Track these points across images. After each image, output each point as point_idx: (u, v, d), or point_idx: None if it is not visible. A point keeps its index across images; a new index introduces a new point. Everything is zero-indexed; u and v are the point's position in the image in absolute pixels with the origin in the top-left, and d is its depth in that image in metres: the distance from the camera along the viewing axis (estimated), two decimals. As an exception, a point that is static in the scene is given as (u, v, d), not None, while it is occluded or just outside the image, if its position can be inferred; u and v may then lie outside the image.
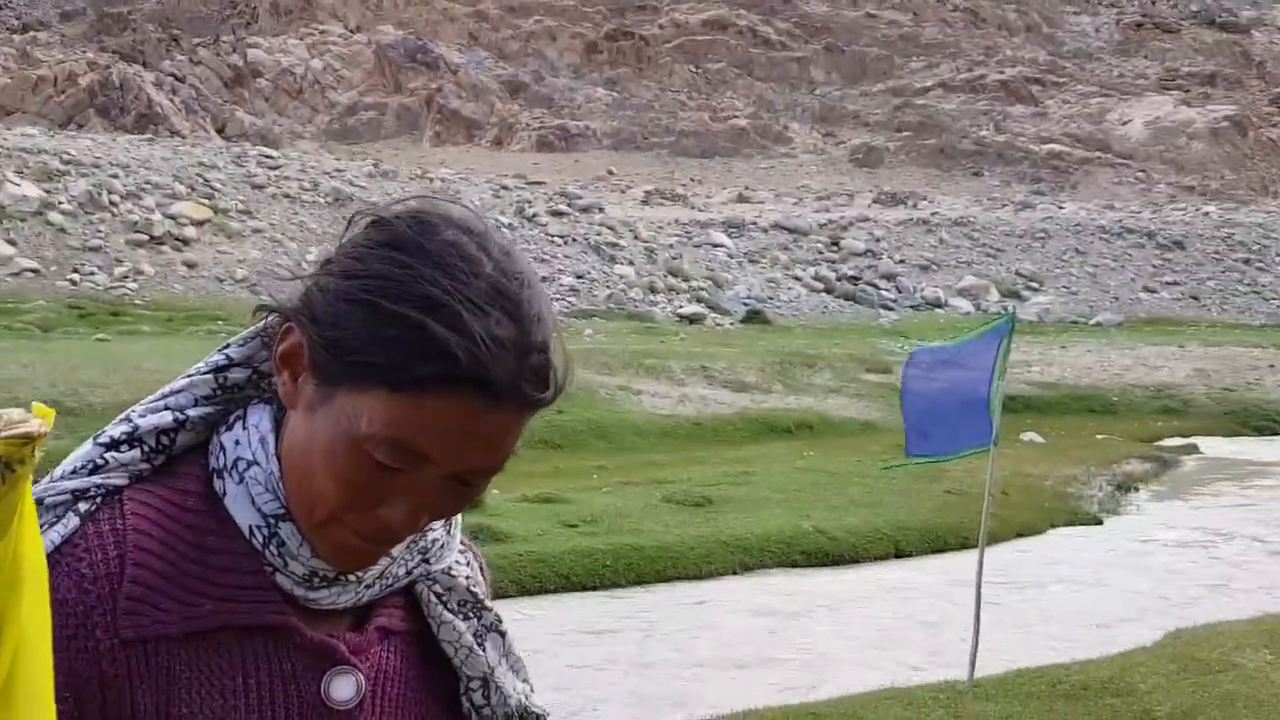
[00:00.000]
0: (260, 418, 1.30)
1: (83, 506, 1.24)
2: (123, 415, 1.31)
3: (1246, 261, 58.83)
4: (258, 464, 1.27)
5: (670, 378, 26.86)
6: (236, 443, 1.28)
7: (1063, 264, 55.61)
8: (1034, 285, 52.82)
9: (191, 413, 1.30)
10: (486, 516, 13.96)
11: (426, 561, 1.35)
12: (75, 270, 39.27)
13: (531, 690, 1.42)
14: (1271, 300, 54.95)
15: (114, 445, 1.28)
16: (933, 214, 61.11)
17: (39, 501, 1.20)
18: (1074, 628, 11.88)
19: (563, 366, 1.24)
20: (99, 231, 41.67)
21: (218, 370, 1.32)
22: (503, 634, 1.40)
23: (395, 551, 1.31)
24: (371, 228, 1.24)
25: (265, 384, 1.32)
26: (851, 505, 16.18)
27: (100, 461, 1.27)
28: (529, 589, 12.15)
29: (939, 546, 14.94)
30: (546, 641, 10.63)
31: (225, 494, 1.27)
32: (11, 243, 39.61)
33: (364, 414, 1.18)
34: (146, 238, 41.98)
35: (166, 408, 1.30)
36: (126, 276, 39.63)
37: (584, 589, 12.51)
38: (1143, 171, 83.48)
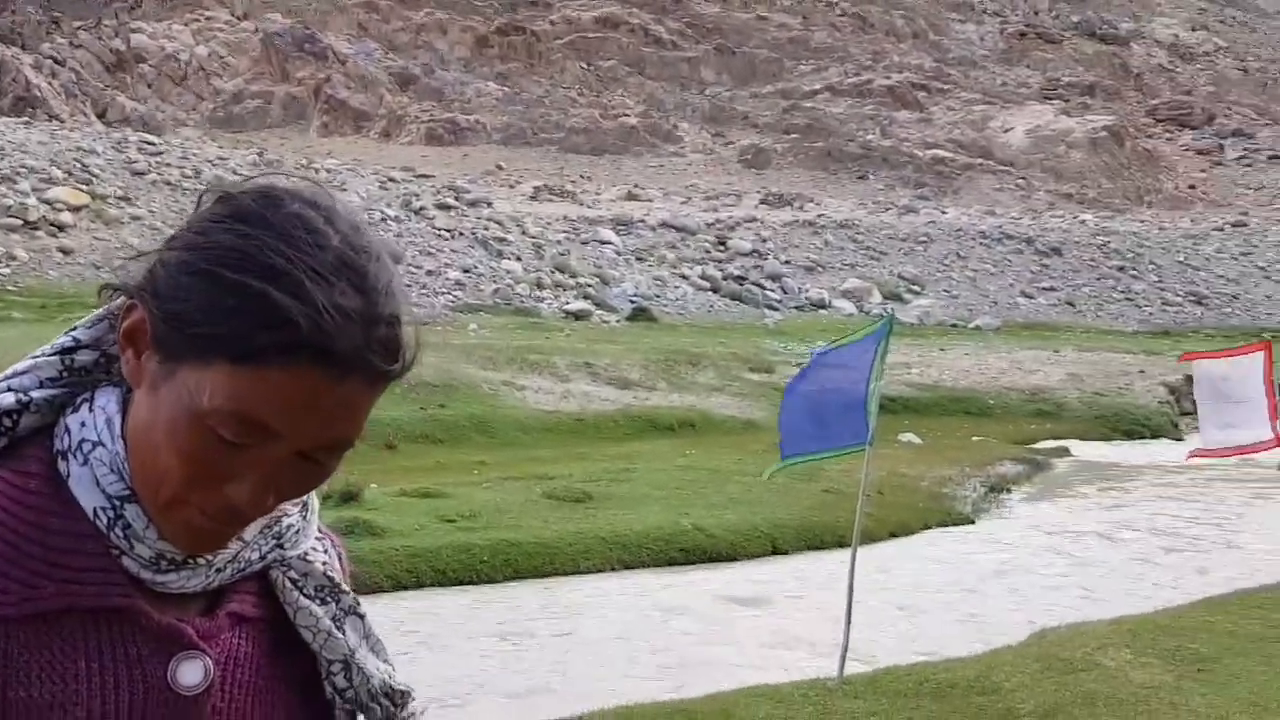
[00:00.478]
0: (107, 400, 1.27)
1: None
2: None
3: (1121, 269, 60.27)
4: (102, 445, 1.24)
5: (554, 374, 26.80)
6: (82, 424, 1.26)
7: (944, 268, 56.49)
8: (915, 288, 53.59)
9: (35, 394, 1.27)
10: (363, 511, 13.81)
11: (281, 546, 1.33)
12: (-54, 256, 38.21)
13: (393, 670, 1.40)
14: (1144, 307, 56.38)
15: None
16: (819, 216, 61.75)
17: None
18: (943, 626, 12.07)
19: (413, 340, 1.22)
20: (-30, 215, 40.58)
21: (64, 352, 1.30)
22: (361, 616, 1.38)
23: (248, 535, 1.28)
24: (217, 203, 1.23)
25: (114, 367, 1.29)
26: (731, 503, 16.27)
27: None
28: (404, 584, 12.06)
29: (815, 544, 15.09)
30: (420, 636, 10.55)
31: (69, 476, 1.24)
32: (-119, 226, 38.46)
33: (206, 388, 1.15)
34: (21, 222, 40.94)
35: (9, 389, 1.27)
36: (-1, 262, 38.66)
37: (460, 584, 12.44)
38: (1023, 179, 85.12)
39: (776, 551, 14.85)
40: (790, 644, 11.10)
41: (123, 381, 1.27)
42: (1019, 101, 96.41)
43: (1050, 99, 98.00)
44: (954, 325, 48.37)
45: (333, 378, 1.16)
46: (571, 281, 46.76)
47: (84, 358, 1.30)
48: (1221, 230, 69.77)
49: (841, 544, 14.12)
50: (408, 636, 10.35)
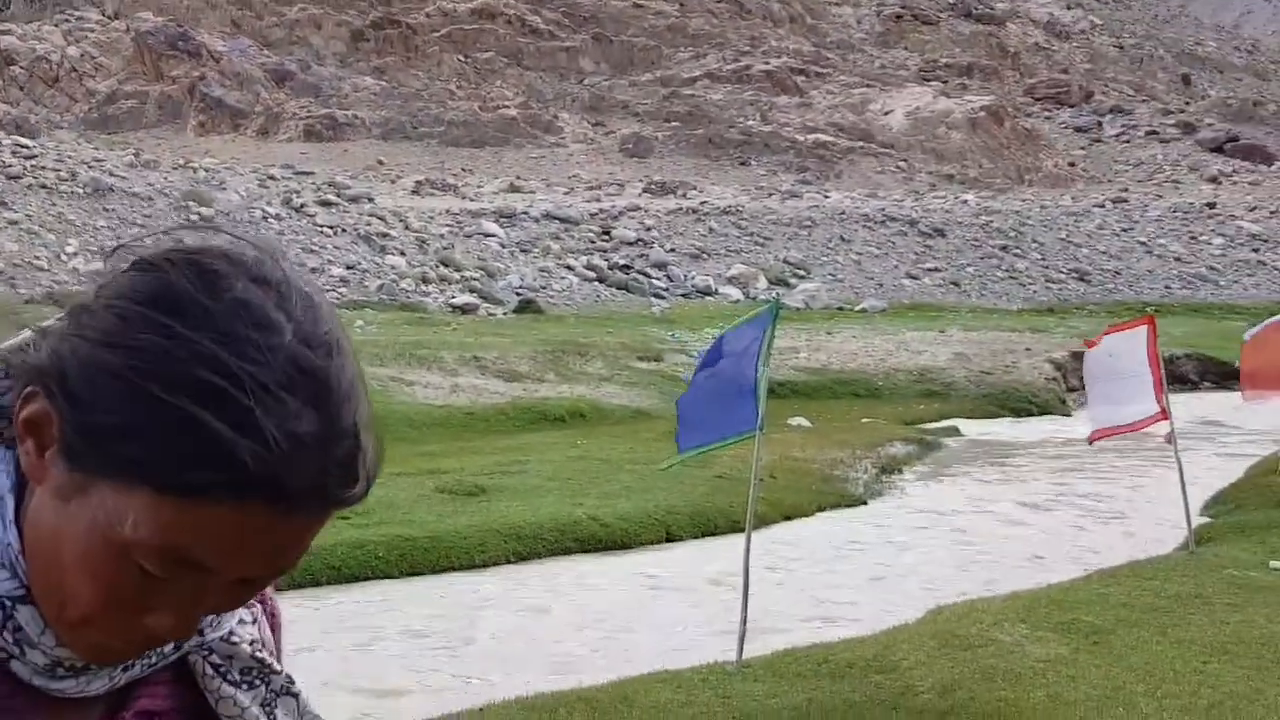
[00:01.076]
0: (0, 463, 1.08)
1: None
2: None
3: (1004, 248, 61.27)
4: None
5: (442, 368, 26.57)
6: None
7: (829, 252, 57.00)
8: (801, 273, 54.02)
9: None
10: (251, 514, 13.53)
11: (200, 632, 1.16)
12: None
13: None
14: (1028, 285, 57.36)
15: None
16: (702, 203, 61.94)
17: None
18: (840, 607, 12.14)
19: (374, 450, 1.05)
20: None
21: None
22: (295, 695, 1.22)
23: None
24: (139, 275, 1.02)
25: (5, 424, 1.08)
26: (624, 491, 16.24)
27: None
28: (299, 582, 11.80)
29: (709, 530, 15.11)
30: (317, 637, 10.34)
31: None
32: None
33: (128, 515, 0.97)
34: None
35: None
36: None
37: (356, 580, 12.24)
38: (904, 161, 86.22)
39: (671, 538, 14.85)
40: (688, 629, 11.08)
41: (13, 442, 1.07)
42: (898, 84, 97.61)
43: (929, 80, 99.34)
44: (840, 308, 48.83)
45: (281, 514, 0.98)
46: (456, 275, 46.40)
47: None
48: (1102, 207, 71.14)
49: (735, 528, 14.16)
50: (303, 636, 10.15)
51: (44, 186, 46.13)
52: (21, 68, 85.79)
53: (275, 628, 1.28)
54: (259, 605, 1.25)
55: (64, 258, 41.40)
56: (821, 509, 17.07)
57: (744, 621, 9.21)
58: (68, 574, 1.01)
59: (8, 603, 1.05)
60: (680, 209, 59.88)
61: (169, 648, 1.14)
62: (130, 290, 1.01)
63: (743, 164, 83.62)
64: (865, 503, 17.92)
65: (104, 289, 1.02)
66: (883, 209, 64.81)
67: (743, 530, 10.04)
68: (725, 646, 9.49)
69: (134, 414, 0.96)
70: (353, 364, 1.05)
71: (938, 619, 10.56)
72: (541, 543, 13.88)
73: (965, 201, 71.02)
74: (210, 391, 0.95)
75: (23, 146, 51.99)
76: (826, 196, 70.57)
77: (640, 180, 74.12)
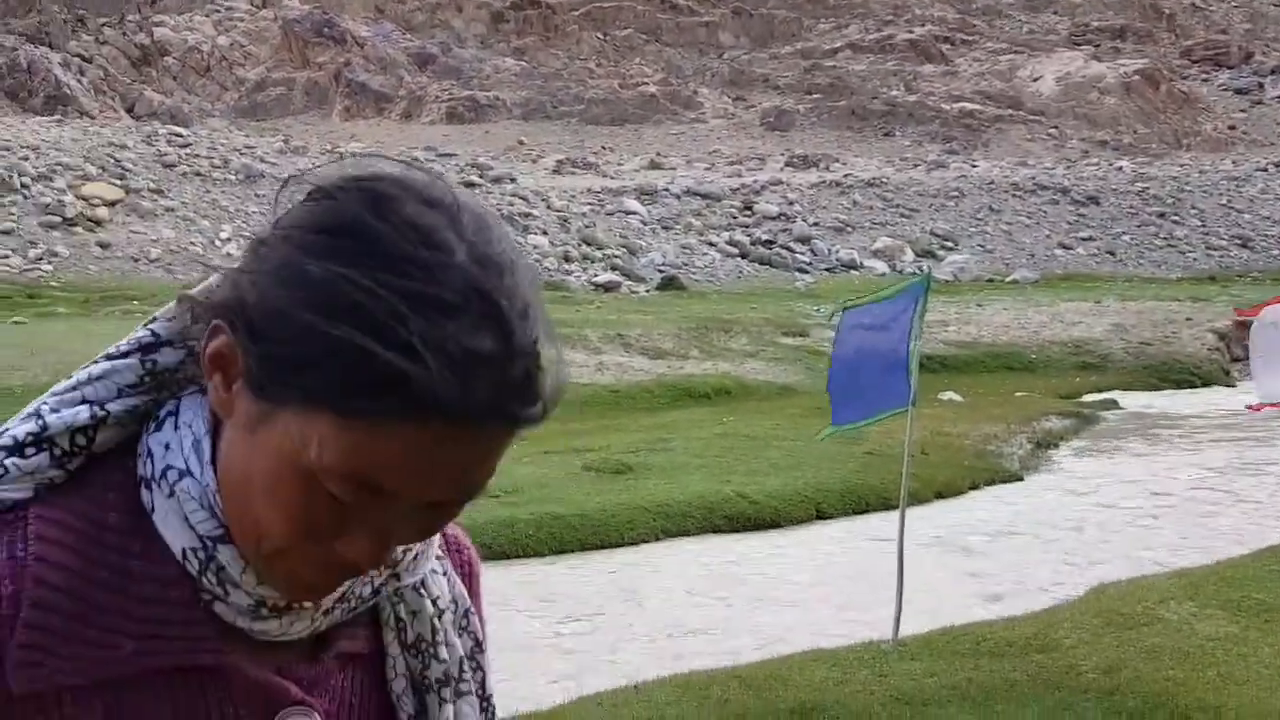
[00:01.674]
0: (194, 415, 1.08)
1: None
2: (30, 409, 1.08)
3: (1161, 215, 59.52)
4: (190, 475, 1.06)
5: (587, 346, 26.64)
6: (166, 447, 1.07)
7: (977, 222, 55.96)
8: (949, 244, 53.12)
9: (113, 406, 1.08)
10: (402, 492, 13.70)
11: (397, 576, 1.16)
12: (-11, 254, 38.62)
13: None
14: (1187, 253, 55.67)
15: (17, 449, 1.06)
16: (845, 176, 61.27)
17: None
18: (997, 586, 11.83)
19: (556, 371, 1.03)
20: (11, 214, 41.01)
21: (144, 351, 1.10)
22: (473, 633, 1.24)
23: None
24: (312, 204, 1.02)
25: (199, 370, 1.08)
26: (772, 469, 16.08)
27: (0, 470, 1.05)
28: (449, 563, 11.91)
29: (860, 508, 14.88)
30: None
31: (154, 509, 1.06)
32: (-76, 226, 38.90)
33: (313, 440, 0.97)
34: (59, 219, 41.45)
35: (83, 400, 1.08)
36: (41, 259, 39.12)
37: (506, 558, 12.29)
38: (1055, 128, 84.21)
39: (821, 516, 14.64)
40: (842, 608, 10.88)
41: (203, 387, 1.09)
42: (1047, 49, 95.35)
43: (1079, 45, 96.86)
44: (990, 280, 47.92)
45: (461, 434, 0.97)
46: (599, 254, 46.57)
47: (166, 358, 1.10)
48: (1265, 170, 68.62)
49: (887, 506, 13.92)
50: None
51: (198, 174, 47.46)
52: (174, 58, 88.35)
53: (471, 576, 1.28)
54: (451, 557, 1.26)
55: (218, 243, 42.53)
56: (975, 485, 16.71)
57: (899, 599, 9.01)
58: (260, 505, 1.02)
59: (209, 543, 1.05)
60: (823, 182, 59.28)
61: (365, 591, 1.13)
62: (303, 219, 1.01)
63: (887, 135, 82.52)
64: (1021, 478, 17.50)
65: (279, 221, 1.03)
66: (1033, 177, 63.42)
67: (894, 507, 9.83)
68: (880, 625, 9.28)
69: (311, 343, 0.96)
70: (529, 285, 1.02)
71: (1100, 597, 10.22)
72: (690, 520, 13.79)
73: (1120, 168, 69.16)
74: (385, 314, 0.94)
75: (177, 135, 53.57)
76: (974, 166, 69.30)
77: (782, 154, 73.55)
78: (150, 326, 1.11)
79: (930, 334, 27.43)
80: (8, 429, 1.08)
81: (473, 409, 0.96)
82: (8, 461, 1.05)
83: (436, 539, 1.21)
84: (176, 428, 1.08)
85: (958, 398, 23.58)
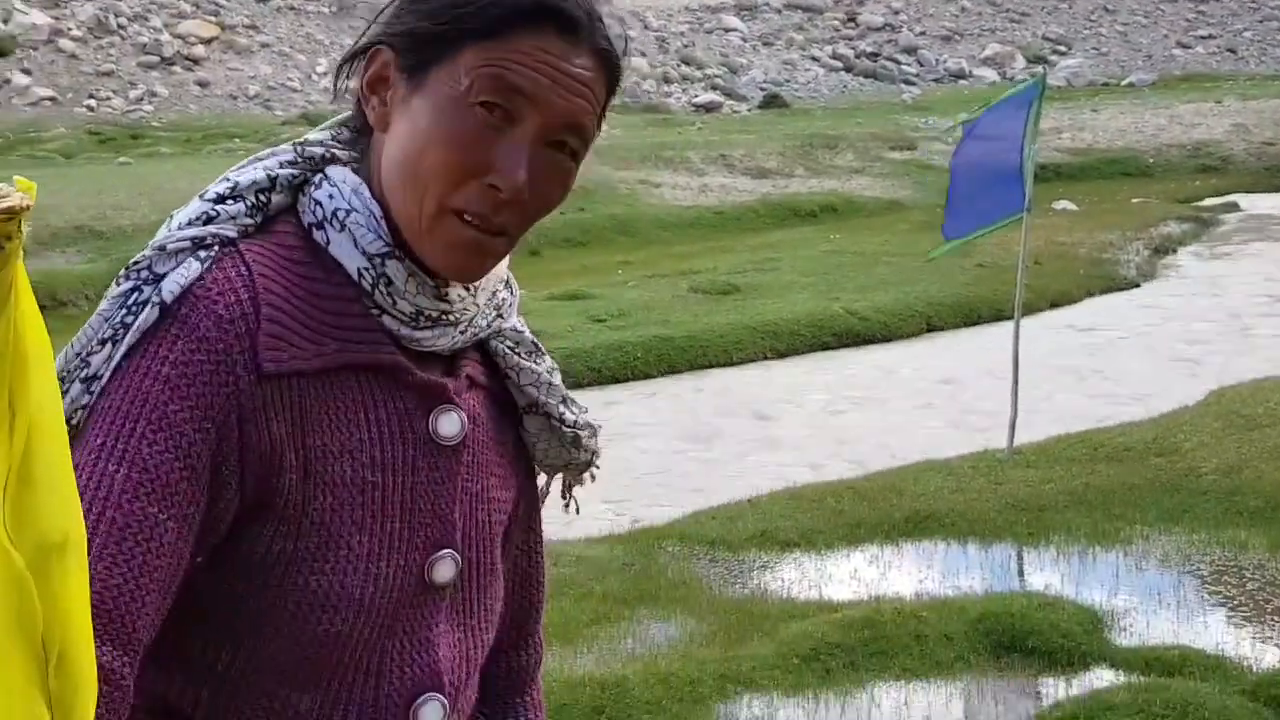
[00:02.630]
0: (343, 174, 1.34)
1: (202, 253, 1.26)
2: (221, 176, 1.35)
3: (1284, 9, 56.96)
4: (355, 210, 1.31)
5: (689, 168, 26.40)
6: (330, 196, 1.32)
7: (1091, 24, 54.02)
8: (1061, 49, 51.43)
9: (280, 172, 1.33)
10: (514, 316, 13.82)
11: (500, 316, 1.42)
12: (91, 96, 39.01)
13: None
14: (1310, 49, 53.36)
15: (221, 199, 1.31)
16: (953, -18, 59.25)
17: (160, 248, 1.27)
18: (1114, 392, 11.68)
19: (621, 33, 1.34)
20: (110, 56, 41.30)
21: (297, 142, 1.38)
22: (557, 369, 1.51)
23: (480, 300, 1.37)
24: None
25: (338, 154, 1.36)
26: (881, 284, 15.92)
27: (212, 213, 1.30)
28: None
29: (972, 320, 14.71)
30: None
31: (329, 243, 1.31)
32: (26, 72, 39.29)
33: (460, 71, 1.25)
34: (158, 59, 41.66)
35: (260, 166, 1.34)
36: (141, 99, 39.47)
37: (616, 381, 12.38)
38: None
39: (932, 329, 14.51)
40: (956, 419, 10.83)
41: (349, 162, 1.36)
42: None
43: None
44: (1105, 84, 46.45)
45: (570, 44, 1.27)
46: (698, 74, 45.84)
47: (314, 149, 1.36)
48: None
49: (999, 318, 13.74)
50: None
51: (292, 8, 47.31)
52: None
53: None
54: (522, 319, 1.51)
55: (314, 77, 42.56)
56: (1091, 294, 16.42)
57: (1014, 408, 8.93)
58: (424, 158, 1.27)
59: (378, 260, 1.30)
60: (928, -10, 57.40)
61: (482, 322, 1.39)
62: None
63: (994, -62, 79.36)
64: (1138, 285, 17.16)
65: None
66: (1148, -25, 60.77)
67: (1007, 318, 9.68)
68: (995, 436, 9.23)
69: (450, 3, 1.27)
70: None
71: (1220, 400, 10.06)
72: (798, 338, 13.74)
73: (1240, -39, 65.95)
74: None
75: (271, -30, 53.20)
76: (1086, -34, 66.54)
77: (885, -37, 71.20)
78: (303, 137, 1.40)
79: (1043, 141, 26.78)
80: (209, 188, 1.33)
81: (580, 23, 1.28)
82: (217, 208, 1.30)
83: (518, 299, 1.47)
84: (333, 184, 1.33)
85: (1072, 206, 23.05)
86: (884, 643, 5.73)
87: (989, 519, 7.64)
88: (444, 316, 1.34)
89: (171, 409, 1.20)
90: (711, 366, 12.96)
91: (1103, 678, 5.60)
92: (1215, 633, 6.05)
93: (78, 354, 1.24)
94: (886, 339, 14.09)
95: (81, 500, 0.87)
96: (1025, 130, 8.85)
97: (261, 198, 1.32)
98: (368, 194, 1.33)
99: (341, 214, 1.31)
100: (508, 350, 1.44)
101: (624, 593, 6.54)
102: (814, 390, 12.12)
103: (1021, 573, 7.05)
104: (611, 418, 11.18)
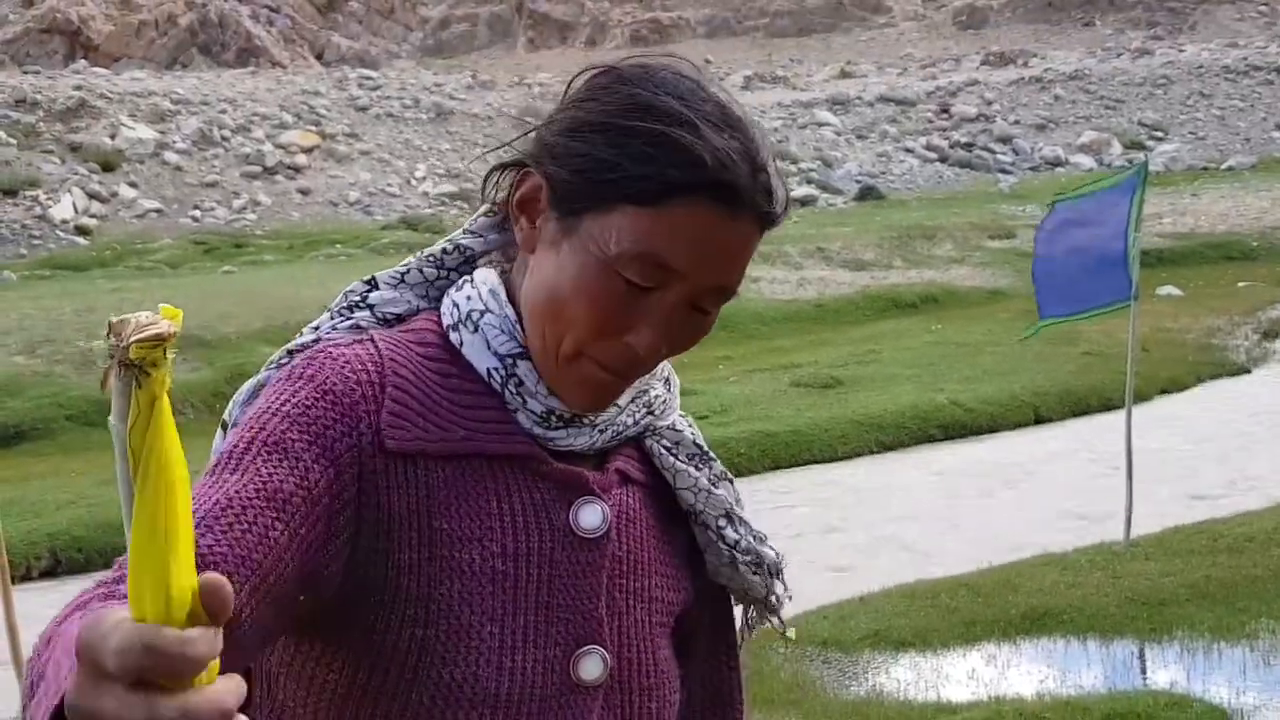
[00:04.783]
0: (486, 275, 1.35)
1: (335, 335, 1.32)
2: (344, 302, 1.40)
3: (1383, 88, 56.06)
4: (490, 311, 1.32)
5: (787, 262, 26.44)
6: (468, 298, 1.34)
7: (1187, 109, 53.56)
8: (1158, 134, 51.01)
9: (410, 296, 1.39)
10: (615, 416, 13.86)
11: (652, 414, 1.39)
12: (196, 207, 40.00)
13: (764, 534, 1.48)
14: None
15: (352, 308, 1.37)
16: (1045, 70, 59.14)
17: (291, 352, 1.32)
18: (1229, 481, 11.42)
19: (784, 189, 1.29)
20: (214, 167, 42.37)
21: (441, 251, 1.41)
22: (731, 481, 1.46)
23: (622, 401, 1.34)
24: (597, 76, 1.32)
25: (476, 260, 1.40)
26: (985, 375, 15.77)
27: (340, 318, 1.36)
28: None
29: (1080, 410, 14.50)
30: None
31: (462, 344, 1.32)
32: (133, 185, 40.41)
33: (612, 233, 1.23)
34: (260, 169, 42.66)
35: (395, 288, 1.39)
36: (245, 208, 40.37)
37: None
38: (1265, 4, 79.82)
39: (1040, 420, 14.31)
40: (1069, 512, 10.63)
41: (492, 264, 1.37)
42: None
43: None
44: (1204, 168, 45.87)
45: (728, 216, 1.24)
46: (793, 168, 46.03)
47: (450, 260, 1.40)
48: None
49: (1108, 407, 13.54)
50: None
51: (390, 115, 48.38)
52: (359, 2, 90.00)
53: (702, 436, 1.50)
54: (688, 420, 1.47)
55: (413, 182, 43.36)
56: (1200, 380, 16.13)
57: (1129, 498, 8.78)
58: (567, 307, 1.26)
59: (509, 360, 1.31)
60: (1022, 79, 57.39)
61: (628, 420, 1.36)
62: (592, 85, 1.31)
63: (1087, 25, 79.43)
64: (1249, 370, 16.83)
65: (567, 98, 1.33)
66: (1245, 58, 60.25)
67: (1116, 407, 9.55)
68: (1110, 528, 9.06)
69: (612, 144, 1.24)
70: (762, 129, 1.30)
71: (1344, 487, 9.81)
72: (904, 431, 13.62)
73: (1337, 41, 65.17)
74: (669, 115, 1.24)
75: (368, 79, 54.59)
76: (1181, 51, 66.18)
77: (977, 53, 71.41)
78: (450, 240, 1.42)
79: (1145, 227, 26.41)
80: (336, 304, 1.39)
81: (740, 193, 1.23)
82: (348, 313, 1.37)
83: (677, 398, 1.45)
84: (474, 285, 1.35)
85: (1177, 291, 22.72)
86: (1008, 745, 5.62)
87: (1108, 614, 7.49)
88: (578, 418, 1.32)
89: (290, 437, 1.20)
90: (816, 461, 12.89)
91: (1236, 780, 5.44)
92: (1350, 731, 5.86)
93: None
94: (993, 430, 13.93)
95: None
96: (1130, 216, 8.80)
97: (392, 311, 1.37)
98: (505, 297, 1.33)
99: (476, 315, 1.32)
100: (663, 450, 1.41)
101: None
102: (922, 485, 12.00)
103: (1144, 670, 6.90)
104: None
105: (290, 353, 1.35)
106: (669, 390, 1.43)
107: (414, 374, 1.29)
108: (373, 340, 1.31)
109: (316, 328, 1.37)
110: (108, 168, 40.99)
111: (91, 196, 39.51)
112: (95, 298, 20.98)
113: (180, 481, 0.82)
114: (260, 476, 1.17)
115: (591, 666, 1.31)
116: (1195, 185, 38.78)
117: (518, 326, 1.32)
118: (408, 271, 1.40)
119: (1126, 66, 59.85)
